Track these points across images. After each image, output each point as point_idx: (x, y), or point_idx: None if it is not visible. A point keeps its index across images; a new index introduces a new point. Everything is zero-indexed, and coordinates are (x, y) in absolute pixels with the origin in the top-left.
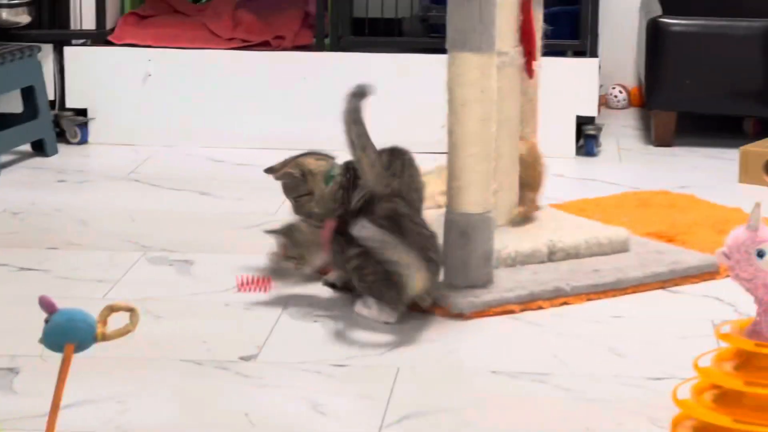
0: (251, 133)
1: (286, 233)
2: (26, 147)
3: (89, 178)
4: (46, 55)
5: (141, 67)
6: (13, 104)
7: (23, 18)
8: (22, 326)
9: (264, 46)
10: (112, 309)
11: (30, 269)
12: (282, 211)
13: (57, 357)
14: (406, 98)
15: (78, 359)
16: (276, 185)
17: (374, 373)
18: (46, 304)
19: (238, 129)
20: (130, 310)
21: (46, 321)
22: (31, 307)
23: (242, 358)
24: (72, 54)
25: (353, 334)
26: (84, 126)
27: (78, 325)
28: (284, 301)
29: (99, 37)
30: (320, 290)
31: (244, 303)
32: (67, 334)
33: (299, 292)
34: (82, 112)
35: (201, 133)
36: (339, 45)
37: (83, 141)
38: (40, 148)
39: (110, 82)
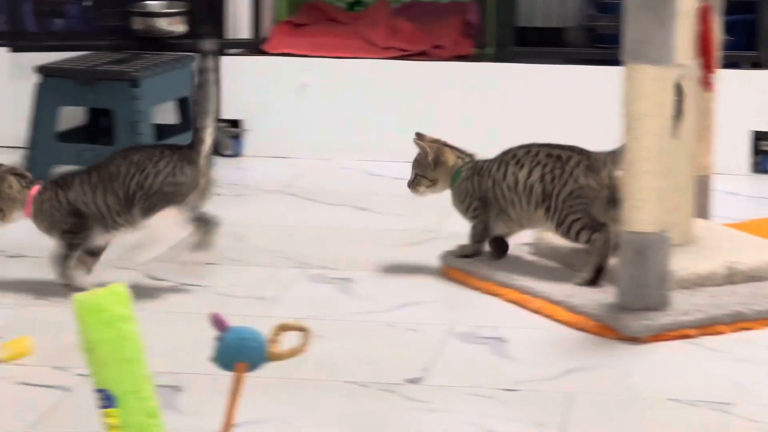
0: (409, 146)
1: None
2: None
3: (244, 192)
4: None
5: (296, 77)
6: (169, 115)
7: (179, 27)
8: (183, 343)
9: (422, 55)
10: (283, 328)
11: (189, 285)
12: (443, 227)
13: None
14: (568, 111)
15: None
16: (439, 203)
17: (546, 399)
18: (218, 322)
19: (395, 142)
20: (303, 330)
21: (217, 339)
22: (192, 324)
23: (408, 381)
24: (227, 64)
25: (522, 356)
26: (238, 138)
27: (249, 344)
28: (449, 321)
29: (254, 46)
30: (486, 310)
31: (408, 323)
32: (238, 354)
33: (465, 311)
34: (237, 124)
35: (357, 146)
36: (501, 55)
37: (238, 153)
38: None
39: (265, 93)
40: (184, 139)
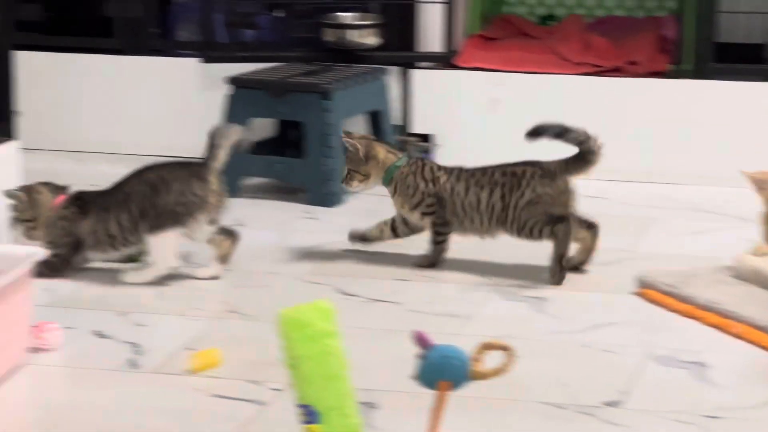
0: (603, 163)
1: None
2: None
3: None
4: (392, 78)
5: (487, 92)
6: (360, 128)
7: (372, 40)
8: (377, 360)
9: (616, 71)
10: (487, 347)
11: (381, 300)
12: (639, 246)
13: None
14: None
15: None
16: (633, 223)
17: (751, 429)
18: (421, 340)
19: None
20: (506, 349)
21: (420, 357)
22: (385, 340)
23: (606, 404)
24: (418, 77)
25: (724, 382)
26: (428, 152)
27: (453, 362)
28: (647, 343)
29: (445, 59)
30: (686, 334)
31: (604, 344)
32: (441, 372)
33: (664, 334)
34: (427, 138)
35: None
36: (699, 71)
37: None
38: None
39: (456, 107)
40: None
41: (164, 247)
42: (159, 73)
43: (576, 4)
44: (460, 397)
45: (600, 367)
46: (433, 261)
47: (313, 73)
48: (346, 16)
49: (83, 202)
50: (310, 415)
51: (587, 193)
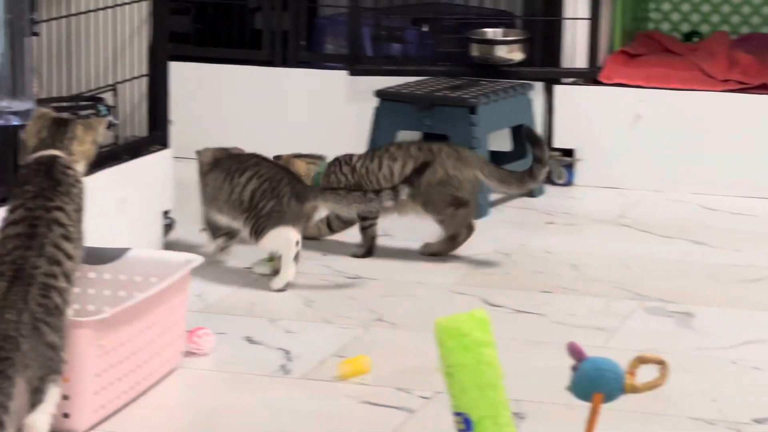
0: (747, 181)
1: None
2: None
3: (577, 221)
4: (536, 93)
5: (631, 108)
6: (503, 142)
7: (517, 55)
8: (523, 370)
9: (762, 88)
10: (641, 360)
11: (526, 312)
12: None
13: (557, 403)
14: None
15: (578, 408)
16: None
17: None
18: (575, 352)
19: (732, 176)
20: (661, 363)
21: (574, 368)
22: (530, 352)
23: (756, 421)
24: (562, 93)
25: None
26: (570, 167)
27: (606, 375)
28: None
29: (589, 75)
30: None
31: (753, 361)
32: (595, 384)
33: None
34: (569, 153)
35: (691, 179)
36: None
37: (569, 182)
38: None
39: (599, 123)
40: (517, 167)
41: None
42: (307, 85)
43: (721, 21)
44: (611, 409)
45: (749, 384)
46: (367, 249)
47: (459, 87)
48: (492, 32)
49: None
50: (465, 423)
51: (734, 210)
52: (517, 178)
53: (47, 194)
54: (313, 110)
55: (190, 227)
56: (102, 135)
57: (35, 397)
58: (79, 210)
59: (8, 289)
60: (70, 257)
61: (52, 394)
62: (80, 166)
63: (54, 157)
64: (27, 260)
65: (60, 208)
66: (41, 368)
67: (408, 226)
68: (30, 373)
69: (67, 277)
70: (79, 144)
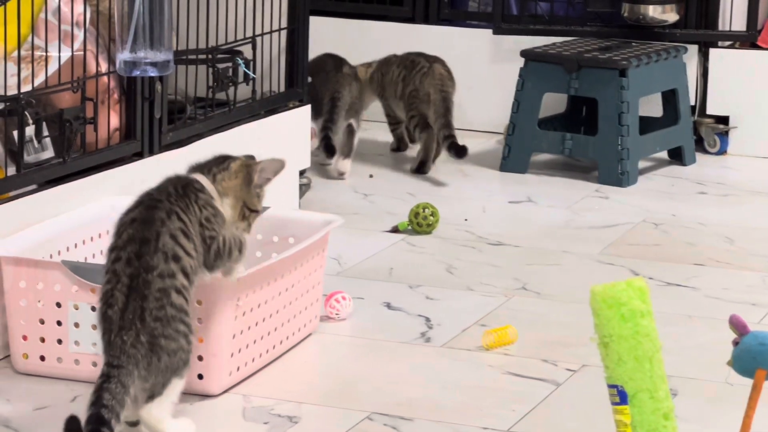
0: None
1: None
2: (663, 154)
3: (731, 192)
4: (690, 56)
5: None
6: (654, 107)
7: (671, 16)
8: (675, 346)
9: None
10: None
11: (677, 285)
12: None
13: (711, 380)
14: None
15: (737, 385)
16: None
17: None
18: (738, 325)
19: None
20: None
21: (735, 343)
22: (683, 326)
23: None
24: (717, 56)
25: None
26: (725, 135)
27: None
28: None
29: (747, 39)
30: None
31: None
32: (758, 360)
33: None
34: (723, 120)
35: None
36: None
37: (722, 151)
38: (677, 156)
39: (755, 89)
40: (667, 134)
41: None
42: (450, 43)
43: None
44: None
45: None
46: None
47: (609, 48)
48: None
49: None
50: (620, 395)
51: None
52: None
53: (173, 196)
54: (456, 70)
55: (328, 188)
56: (258, 180)
57: (154, 390)
58: (202, 225)
59: (125, 305)
60: (188, 254)
61: (173, 388)
62: (227, 202)
63: (192, 179)
64: (142, 259)
65: (182, 209)
66: (162, 376)
67: (551, 192)
68: (150, 382)
69: (186, 274)
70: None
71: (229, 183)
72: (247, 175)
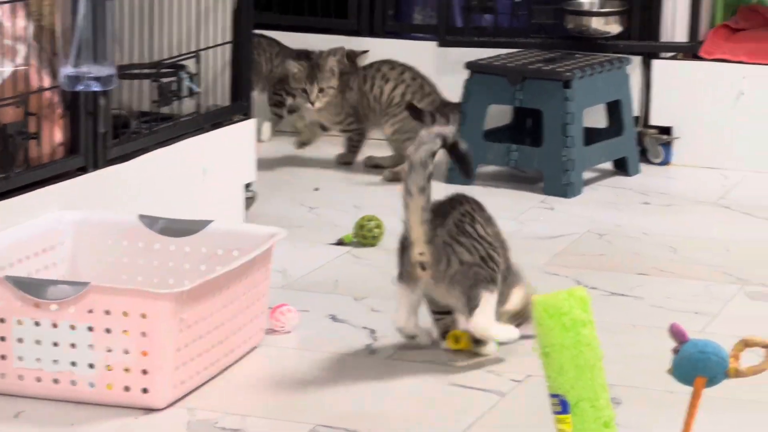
0: None
1: None
2: (608, 164)
3: (674, 202)
4: (633, 68)
5: (732, 85)
6: (598, 118)
7: (614, 27)
8: (619, 355)
9: None
10: (747, 344)
11: (621, 294)
12: None
13: (654, 388)
14: None
15: (677, 393)
16: None
17: None
18: (678, 333)
19: None
20: (767, 347)
21: (675, 351)
22: (627, 335)
23: None
24: (660, 68)
25: None
26: (668, 145)
27: (710, 357)
28: None
29: (690, 50)
30: None
31: None
32: (697, 367)
33: None
34: (667, 131)
35: None
36: None
37: (666, 161)
38: (622, 167)
39: (698, 100)
40: (611, 144)
41: None
42: (395, 56)
43: None
44: (712, 396)
45: None
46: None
47: (553, 60)
48: (589, 3)
49: None
50: (561, 405)
51: None
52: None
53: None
54: None
55: (273, 200)
56: None
57: (470, 305)
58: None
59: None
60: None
61: (485, 299)
62: None
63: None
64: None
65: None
66: (465, 282)
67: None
68: (446, 289)
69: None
70: None
71: None
72: None
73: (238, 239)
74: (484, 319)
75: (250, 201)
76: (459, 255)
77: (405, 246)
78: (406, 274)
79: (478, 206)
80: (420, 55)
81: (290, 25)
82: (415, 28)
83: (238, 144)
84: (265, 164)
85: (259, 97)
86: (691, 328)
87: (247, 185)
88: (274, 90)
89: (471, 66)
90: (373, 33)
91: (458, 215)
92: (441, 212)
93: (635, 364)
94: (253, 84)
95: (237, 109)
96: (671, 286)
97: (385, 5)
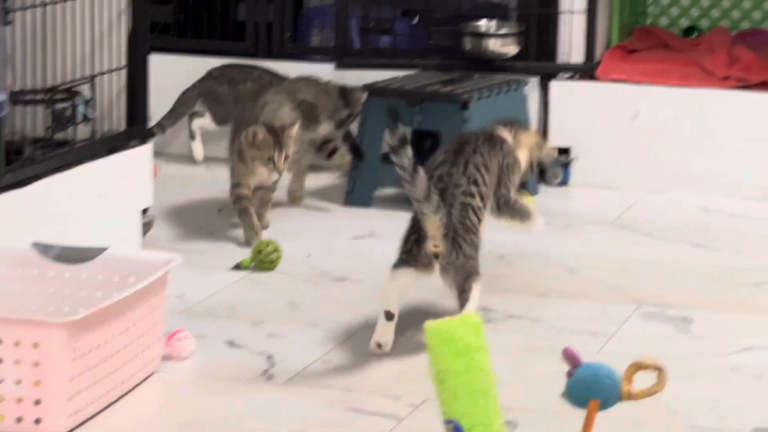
0: (748, 181)
1: None
2: None
3: (573, 223)
4: (531, 89)
5: (628, 105)
6: None
7: (511, 49)
8: (516, 377)
9: (763, 86)
10: (639, 366)
11: (520, 316)
12: None
13: (550, 410)
14: None
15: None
16: None
17: None
18: (571, 357)
19: (733, 177)
20: (658, 369)
21: (569, 374)
22: (523, 358)
23: (757, 430)
24: (557, 88)
25: None
26: (567, 166)
27: (603, 381)
28: None
29: (586, 71)
30: None
31: (753, 368)
32: (591, 390)
33: None
34: (565, 151)
35: (691, 180)
36: None
37: (565, 182)
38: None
39: (595, 120)
40: None
41: None
42: None
43: (721, 17)
44: (606, 417)
45: (750, 391)
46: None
47: (451, 82)
48: (486, 25)
49: None
50: (456, 430)
51: (734, 212)
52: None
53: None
54: None
55: (173, 224)
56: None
57: (462, 297)
58: (502, 170)
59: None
60: (485, 184)
61: (475, 291)
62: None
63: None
64: (452, 177)
65: (487, 151)
66: (462, 273)
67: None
68: (451, 276)
69: (482, 198)
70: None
71: (526, 139)
72: (540, 139)
73: (133, 266)
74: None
75: (147, 226)
76: (463, 249)
77: (413, 236)
78: (411, 261)
79: (492, 140)
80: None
81: (189, 48)
82: (312, 50)
83: (134, 169)
84: (168, 187)
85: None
86: (588, 349)
87: (145, 210)
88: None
89: (368, 88)
90: (270, 55)
91: (462, 196)
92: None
93: (532, 386)
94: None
95: (133, 134)
96: (569, 307)
97: (283, 27)
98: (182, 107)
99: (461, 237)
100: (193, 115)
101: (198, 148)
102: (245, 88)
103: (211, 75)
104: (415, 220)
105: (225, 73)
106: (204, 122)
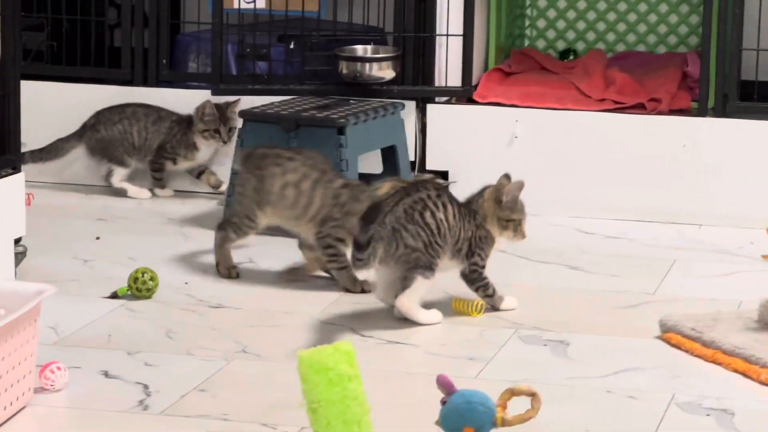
0: (624, 203)
1: None
2: None
3: None
4: (408, 112)
5: (506, 128)
6: (374, 164)
7: (388, 73)
8: (392, 403)
9: (638, 108)
10: (513, 393)
11: (397, 342)
12: (662, 290)
13: None
14: None
15: None
16: (656, 264)
17: None
18: (445, 385)
19: (609, 198)
20: (532, 395)
21: (443, 402)
22: (402, 383)
23: None
24: (434, 112)
25: (750, 428)
26: (445, 189)
27: (477, 408)
28: (671, 389)
29: (463, 94)
30: (710, 379)
31: (627, 390)
32: (465, 418)
33: (687, 380)
34: (444, 175)
35: (568, 202)
36: (723, 110)
37: None
38: None
39: (473, 143)
40: None
41: None
42: (170, 105)
43: (596, 39)
44: None
45: (624, 413)
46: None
47: (327, 106)
48: (362, 49)
49: None
50: None
51: (609, 234)
52: None
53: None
54: None
55: (48, 253)
56: (507, 199)
57: (403, 284)
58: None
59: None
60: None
61: (418, 282)
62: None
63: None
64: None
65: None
66: (405, 264)
67: (271, 253)
68: (393, 266)
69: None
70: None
71: (486, 206)
72: (497, 197)
73: (4, 297)
74: (409, 301)
75: (20, 256)
76: (405, 240)
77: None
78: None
79: (437, 193)
80: (195, 103)
81: (63, 75)
82: (189, 76)
83: (6, 199)
84: (42, 215)
85: (137, 165)
86: (466, 374)
87: (17, 240)
88: (154, 157)
89: (244, 114)
90: (146, 83)
91: (411, 201)
92: (398, 197)
93: (409, 412)
94: (127, 157)
95: (4, 163)
96: (446, 332)
97: (159, 54)
98: (55, 151)
99: (403, 227)
100: (108, 176)
101: (139, 192)
102: (129, 125)
103: (86, 127)
104: None
105: (99, 119)
106: (120, 174)
